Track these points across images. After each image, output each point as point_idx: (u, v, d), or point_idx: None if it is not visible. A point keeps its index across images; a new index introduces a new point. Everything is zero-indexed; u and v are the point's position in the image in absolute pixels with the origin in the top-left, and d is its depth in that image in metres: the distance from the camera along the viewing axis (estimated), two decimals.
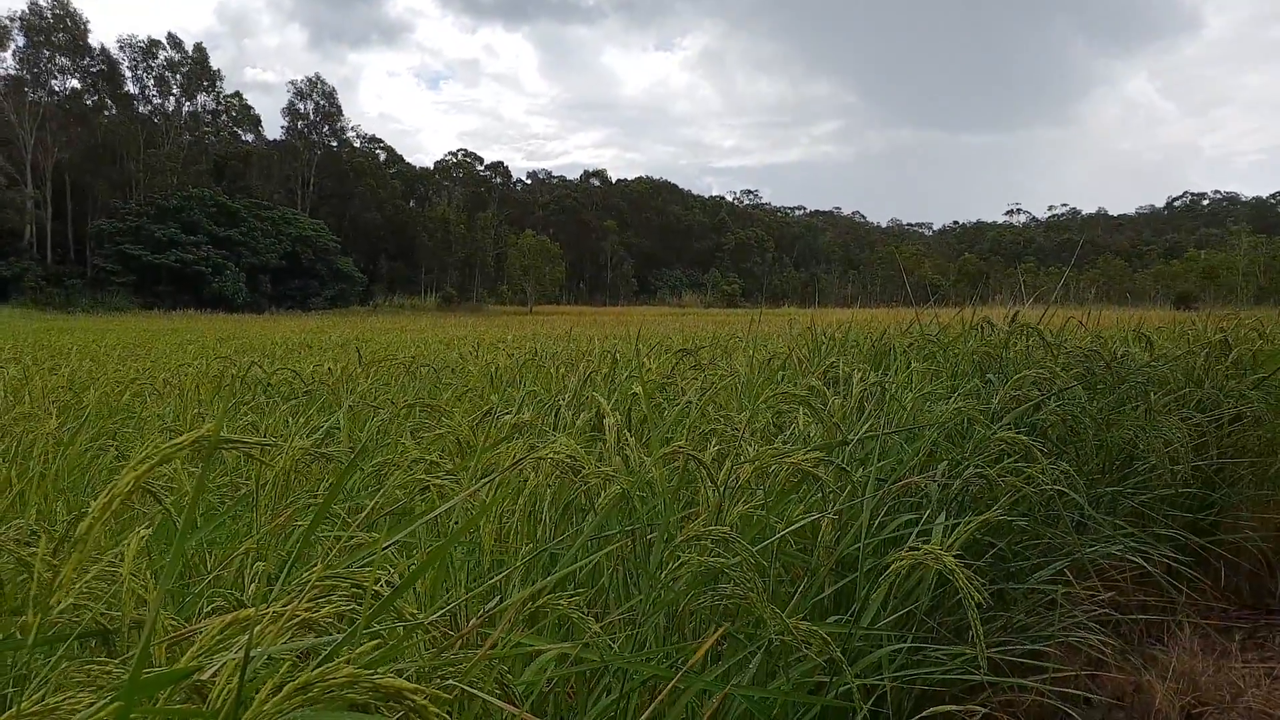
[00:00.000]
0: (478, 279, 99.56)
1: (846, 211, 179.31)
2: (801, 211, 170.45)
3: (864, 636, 2.07)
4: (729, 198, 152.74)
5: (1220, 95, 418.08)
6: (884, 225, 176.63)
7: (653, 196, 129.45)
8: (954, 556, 1.82)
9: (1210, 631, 4.41)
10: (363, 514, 1.88)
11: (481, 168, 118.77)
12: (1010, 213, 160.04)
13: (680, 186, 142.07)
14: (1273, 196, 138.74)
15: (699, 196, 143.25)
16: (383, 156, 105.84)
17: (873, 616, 2.02)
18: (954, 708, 2.42)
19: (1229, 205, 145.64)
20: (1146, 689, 3.88)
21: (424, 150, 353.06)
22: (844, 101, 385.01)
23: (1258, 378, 5.03)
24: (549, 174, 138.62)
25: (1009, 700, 3.52)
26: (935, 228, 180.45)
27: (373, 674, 0.85)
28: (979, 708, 2.38)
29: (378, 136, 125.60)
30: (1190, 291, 62.28)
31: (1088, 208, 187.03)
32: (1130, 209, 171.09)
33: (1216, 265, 74.23)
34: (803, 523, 1.98)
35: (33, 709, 0.86)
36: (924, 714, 2.30)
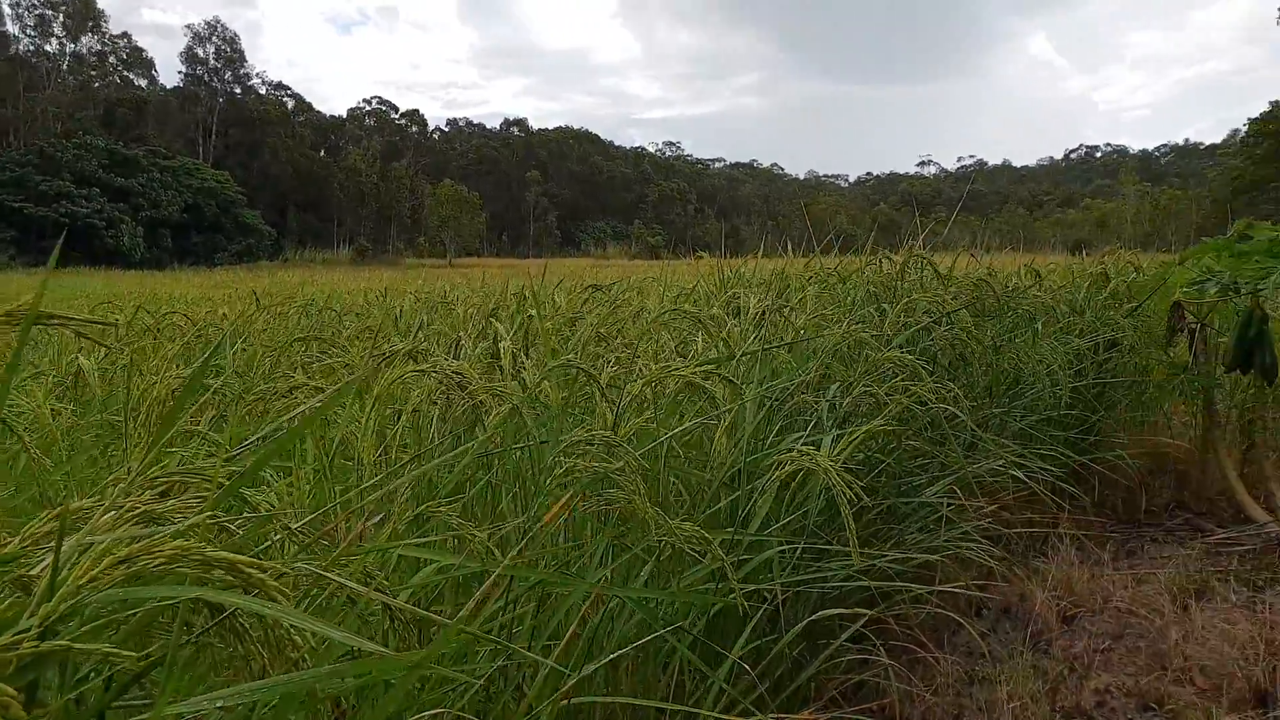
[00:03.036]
0: (394, 231, 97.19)
1: (765, 163, 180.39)
2: (721, 163, 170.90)
3: (753, 545, 2.12)
4: (651, 149, 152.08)
5: (1110, 53, 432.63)
6: (801, 177, 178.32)
7: (575, 146, 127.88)
8: (841, 468, 1.88)
9: (1087, 544, 4.67)
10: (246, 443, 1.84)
11: (396, 116, 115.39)
12: (922, 164, 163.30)
13: (603, 137, 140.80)
14: (1157, 149, 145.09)
15: (621, 147, 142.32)
16: (291, 105, 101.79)
17: (760, 524, 2.07)
18: (840, 610, 2.52)
19: (1119, 157, 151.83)
20: (1029, 597, 4.09)
21: (336, 99, 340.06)
22: (763, 53, 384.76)
23: (1131, 307, 5.27)
24: (468, 122, 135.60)
25: (903, 614, 3.68)
26: (851, 179, 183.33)
27: (203, 546, 0.83)
28: (865, 610, 2.48)
29: (285, 84, 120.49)
30: (1085, 238, 64.95)
31: (994, 159, 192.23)
32: (1032, 160, 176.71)
33: (1108, 213, 77.51)
34: (688, 426, 2.00)
35: None
36: (812, 618, 2.38)
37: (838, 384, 2.97)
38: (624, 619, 1.80)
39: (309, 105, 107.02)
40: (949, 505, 3.40)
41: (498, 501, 1.91)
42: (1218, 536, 5.10)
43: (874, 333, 3.37)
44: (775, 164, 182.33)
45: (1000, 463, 3.48)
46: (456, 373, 1.80)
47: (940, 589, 3.35)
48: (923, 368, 2.85)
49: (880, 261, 4.61)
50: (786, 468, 1.94)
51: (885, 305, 3.86)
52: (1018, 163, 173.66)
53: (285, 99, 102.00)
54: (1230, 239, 5.02)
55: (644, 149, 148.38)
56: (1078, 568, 4.36)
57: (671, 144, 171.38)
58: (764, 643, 2.31)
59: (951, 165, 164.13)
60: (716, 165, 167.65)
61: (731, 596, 1.56)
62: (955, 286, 4.03)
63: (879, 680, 3.50)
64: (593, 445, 1.62)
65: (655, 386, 1.95)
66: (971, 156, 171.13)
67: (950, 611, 3.84)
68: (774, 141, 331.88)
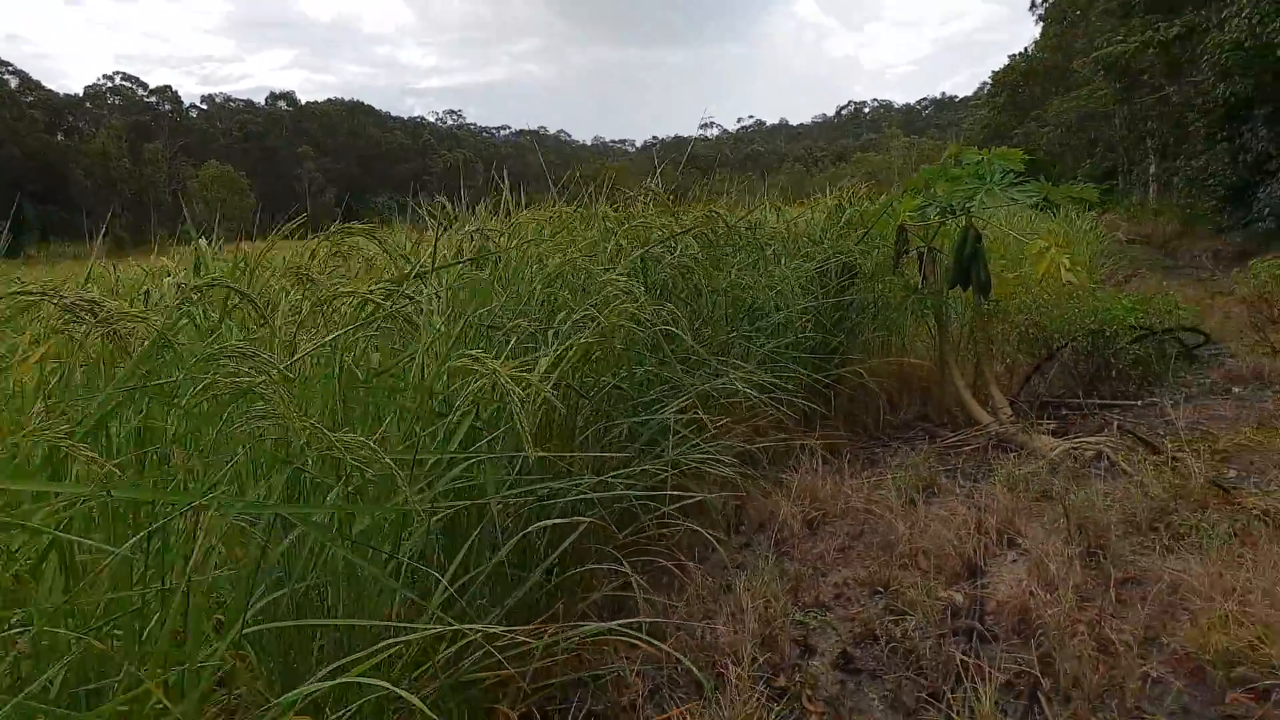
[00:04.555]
0: (154, 218, 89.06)
1: (552, 130, 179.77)
2: (507, 131, 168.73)
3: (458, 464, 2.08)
4: (431, 119, 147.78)
5: (872, 12, 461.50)
6: (589, 144, 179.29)
7: (348, 119, 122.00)
8: (564, 388, 1.87)
9: (831, 458, 4.99)
10: None
11: (145, 93, 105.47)
12: (704, 126, 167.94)
13: (378, 108, 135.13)
14: (919, 103, 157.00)
15: (399, 118, 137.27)
16: (14, 83, 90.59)
17: (462, 441, 2.03)
18: (561, 520, 2.53)
19: (885, 112, 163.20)
20: (778, 509, 4.31)
21: (70, 76, 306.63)
22: (543, 18, 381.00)
23: (861, 232, 5.64)
24: (229, 98, 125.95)
25: (663, 534, 3.79)
26: (638, 144, 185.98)
27: None
28: (584, 518, 2.51)
29: (5, 60, 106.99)
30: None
31: (772, 119, 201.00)
32: (808, 119, 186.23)
33: (877, 166, 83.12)
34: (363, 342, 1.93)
35: None
36: (525, 532, 2.38)
37: (565, 310, 2.98)
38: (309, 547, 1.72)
39: (37, 84, 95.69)
40: (686, 424, 3.52)
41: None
42: (948, 440, 5.60)
43: (605, 265, 3.41)
44: (563, 131, 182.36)
45: (736, 383, 3.61)
46: (91, 300, 1.63)
47: (683, 502, 3.46)
48: (638, 288, 2.89)
49: (625, 205, 4.69)
50: (480, 382, 1.91)
51: (622, 241, 3.91)
52: (794, 121, 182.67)
53: (7, 75, 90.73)
54: (945, 165, 5.45)
55: (424, 119, 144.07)
56: (823, 479, 4.66)
57: (454, 113, 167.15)
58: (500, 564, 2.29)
59: (733, 127, 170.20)
60: (502, 134, 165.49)
61: (407, 508, 1.51)
62: (688, 221, 4.14)
63: (632, 597, 3.59)
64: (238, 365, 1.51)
65: (328, 308, 1.86)
66: (751, 117, 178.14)
67: (706, 531, 3.96)
68: (561, 109, 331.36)
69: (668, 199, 4.64)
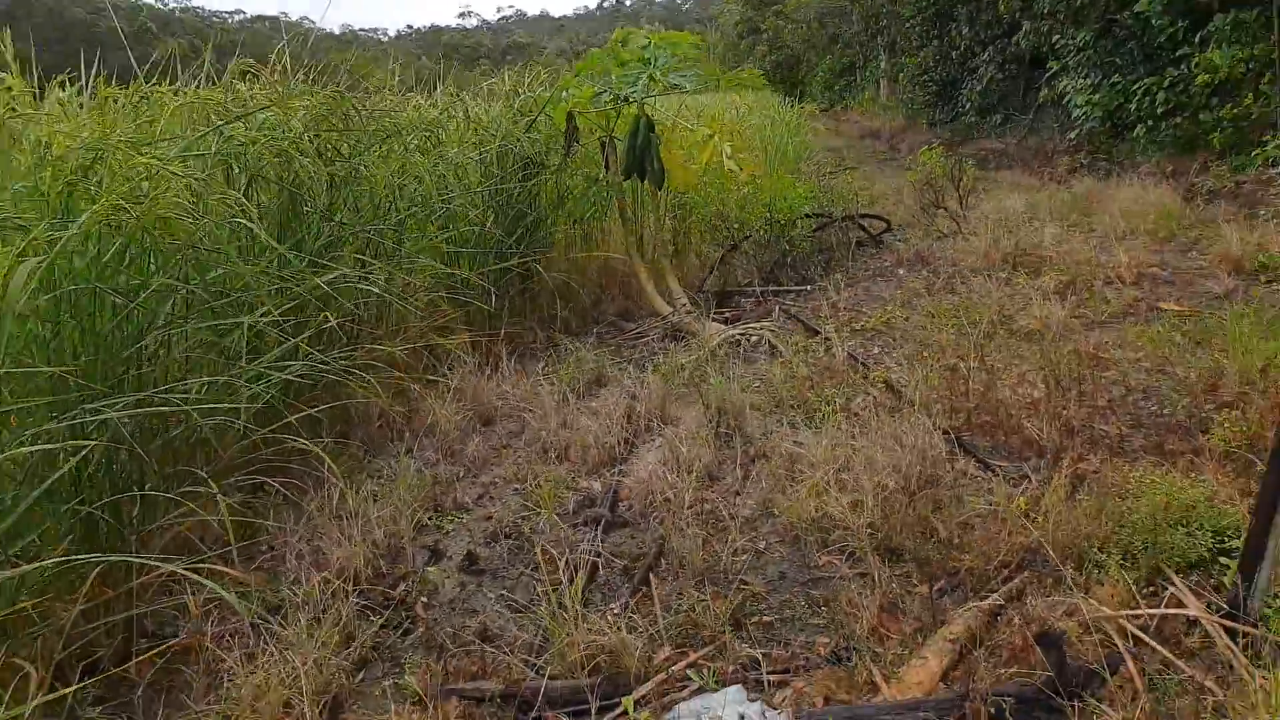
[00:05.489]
0: None
1: (294, 16, 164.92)
2: (242, 16, 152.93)
3: None
4: (151, 0, 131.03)
5: None
6: (337, 32, 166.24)
7: None
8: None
9: (505, 359, 4.85)
10: None
11: None
12: (463, 15, 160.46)
13: None
14: None
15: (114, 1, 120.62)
16: None
17: None
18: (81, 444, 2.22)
19: (647, 6, 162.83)
20: (429, 411, 4.14)
21: None
22: None
23: (528, 120, 5.43)
24: None
25: (298, 451, 3.50)
26: (391, 33, 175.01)
27: None
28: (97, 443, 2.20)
29: None
30: None
31: (533, 10, 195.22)
32: (569, 10, 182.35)
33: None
34: None
35: None
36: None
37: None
38: None
39: None
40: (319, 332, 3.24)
41: None
42: (628, 333, 5.64)
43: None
44: (305, 17, 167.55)
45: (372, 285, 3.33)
46: None
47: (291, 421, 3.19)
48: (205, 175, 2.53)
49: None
50: None
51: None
52: (555, 13, 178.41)
53: None
54: (613, 47, 5.30)
55: (141, 1, 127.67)
56: (494, 379, 4.54)
57: None
58: None
59: (492, 17, 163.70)
60: (236, 18, 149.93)
61: None
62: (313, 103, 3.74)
63: (261, 521, 3.33)
64: None
65: None
66: (511, 7, 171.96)
67: (314, 443, 3.73)
68: None
69: (309, 80, 4.18)
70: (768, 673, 2.43)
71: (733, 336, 5.14)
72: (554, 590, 2.70)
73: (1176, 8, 10.68)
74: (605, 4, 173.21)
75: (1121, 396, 4.26)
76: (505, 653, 2.60)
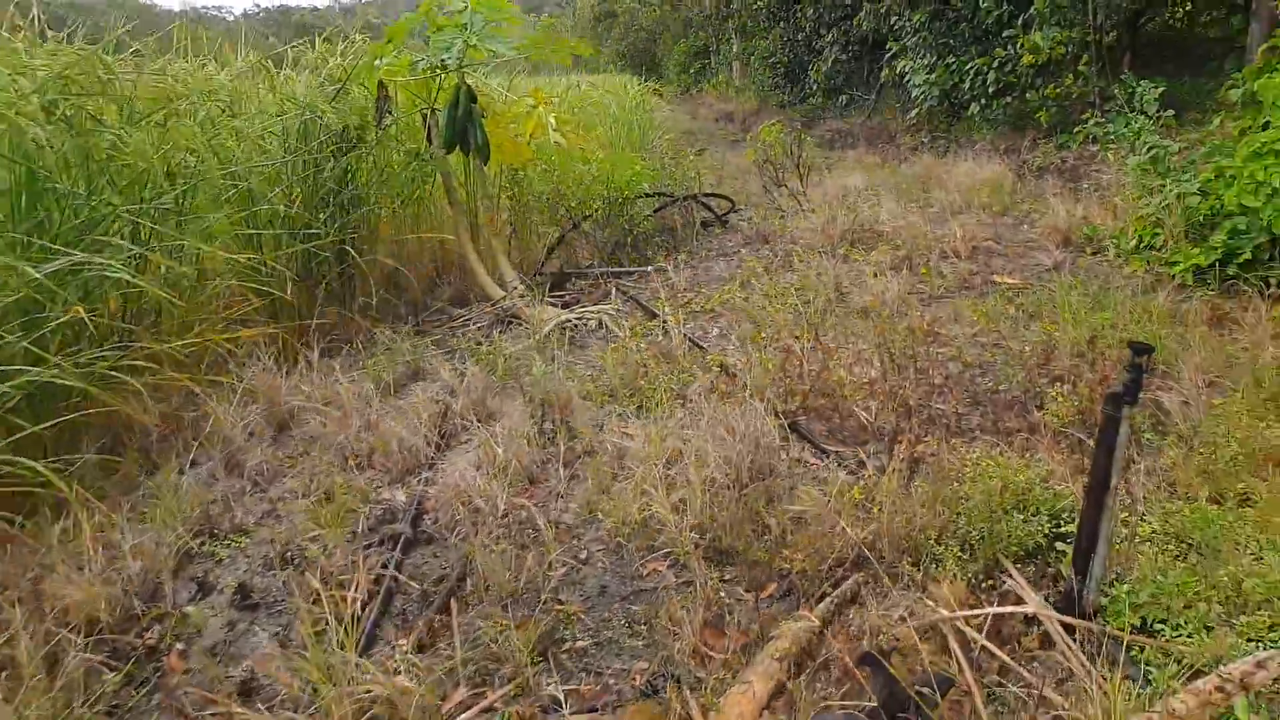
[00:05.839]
0: None
1: None
2: None
3: None
4: None
5: None
6: (178, 9, 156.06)
7: None
8: None
9: (310, 354, 4.34)
10: None
11: None
12: None
13: None
14: None
15: None
16: None
17: None
18: None
19: None
20: (236, 416, 3.64)
21: None
22: None
23: (333, 89, 4.92)
24: None
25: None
26: (237, 12, 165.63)
27: None
28: None
29: None
30: None
31: None
32: None
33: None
34: None
35: None
36: None
37: None
38: None
39: None
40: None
41: None
42: (459, 319, 5.22)
43: None
44: None
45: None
46: None
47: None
48: None
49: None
50: None
51: None
52: None
53: None
54: (426, 10, 4.84)
55: None
56: (294, 377, 4.03)
57: None
58: None
59: None
60: None
61: None
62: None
63: None
64: None
65: None
66: None
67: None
68: None
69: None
70: (571, 714, 2.12)
71: (568, 321, 4.81)
72: (339, 626, 2.30)
73: None
74: None
75: (959, 373, 4.17)
76: (264, 710, 2.18)
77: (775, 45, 21.43)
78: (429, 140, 5.29)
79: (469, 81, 4.98)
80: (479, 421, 3.72)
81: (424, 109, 5.28)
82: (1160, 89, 6.53)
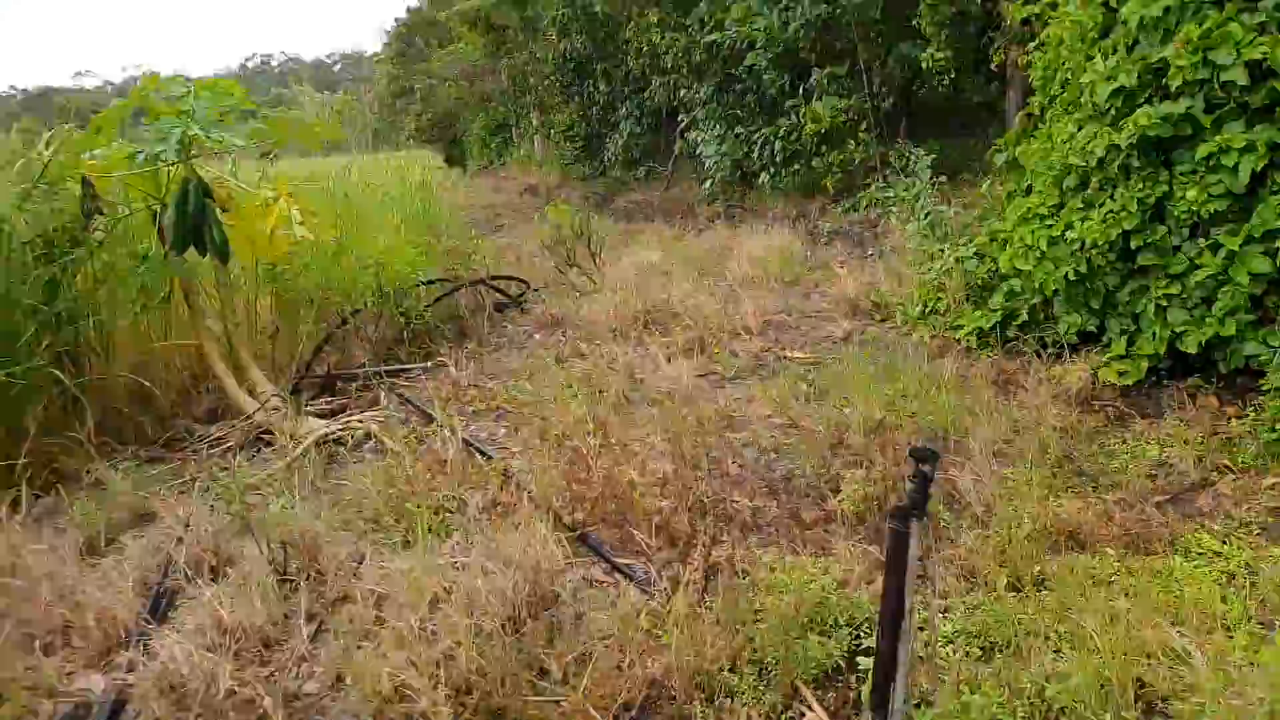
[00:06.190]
0: None
1: None
2: None
3: None
4: None
5: None
6: None
7: None
8: None
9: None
10: None
11: None
12: (80, 75, 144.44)
13: None
14: (328, 57, 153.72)
15: None
16: None
17: None
18: None
19: (295, 66, 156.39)
20: None
21: None
22: None
23: (24, 189, 4.24)
24: None
25: None
26: None
27: None
28: None
29: None
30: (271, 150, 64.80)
31: (165, 69, 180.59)
32: (209, 71, 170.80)
33: (291, 123, 79.07)
34: None
35: None
36: None
37: None
38: None
39: None
40: None
41: None
42: (208, 440, 4.57)
43: None
44: None
45: None
46: None
47: None
48: None
49: None
50: None
51: None
52: (194, 73, 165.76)
53: None
54: (138, 95, 4.28)
55: None
56: None
57: None
58: None
59: (118, 78, 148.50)
60: None
61: None
62: None
63: None
64: None
65: None
66: (139, 68, 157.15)
67: None
68: None
69: None
70: None
71: (330, 433, 4.28)
72: None
73: (782, 63, 11.42)
74: (249, 63, 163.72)
75: (755, 460, 3.97)
76: None
77: (573, 119, 21.64)
78: (161, 240, 4.67)
79: (202, 173, 4.43)
80: (210, 573, 3.13)
81: (154, 206, 4.67)
82: (933, 155, 6.82)
